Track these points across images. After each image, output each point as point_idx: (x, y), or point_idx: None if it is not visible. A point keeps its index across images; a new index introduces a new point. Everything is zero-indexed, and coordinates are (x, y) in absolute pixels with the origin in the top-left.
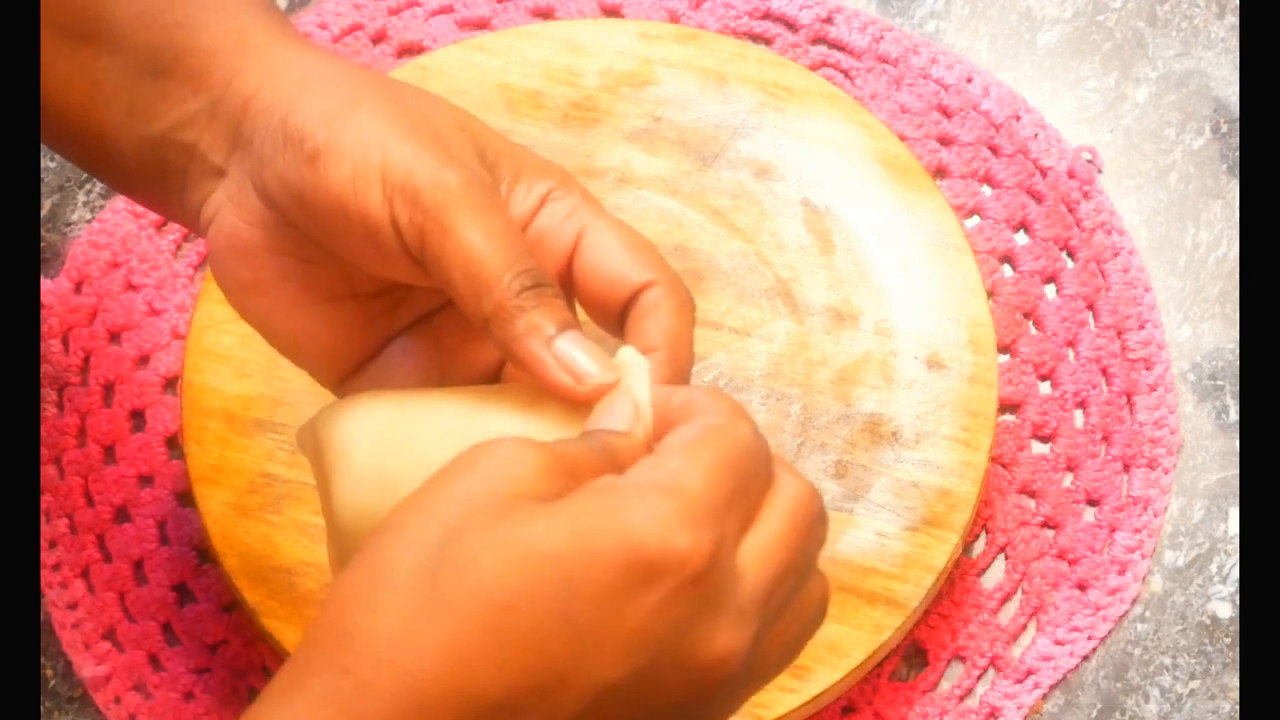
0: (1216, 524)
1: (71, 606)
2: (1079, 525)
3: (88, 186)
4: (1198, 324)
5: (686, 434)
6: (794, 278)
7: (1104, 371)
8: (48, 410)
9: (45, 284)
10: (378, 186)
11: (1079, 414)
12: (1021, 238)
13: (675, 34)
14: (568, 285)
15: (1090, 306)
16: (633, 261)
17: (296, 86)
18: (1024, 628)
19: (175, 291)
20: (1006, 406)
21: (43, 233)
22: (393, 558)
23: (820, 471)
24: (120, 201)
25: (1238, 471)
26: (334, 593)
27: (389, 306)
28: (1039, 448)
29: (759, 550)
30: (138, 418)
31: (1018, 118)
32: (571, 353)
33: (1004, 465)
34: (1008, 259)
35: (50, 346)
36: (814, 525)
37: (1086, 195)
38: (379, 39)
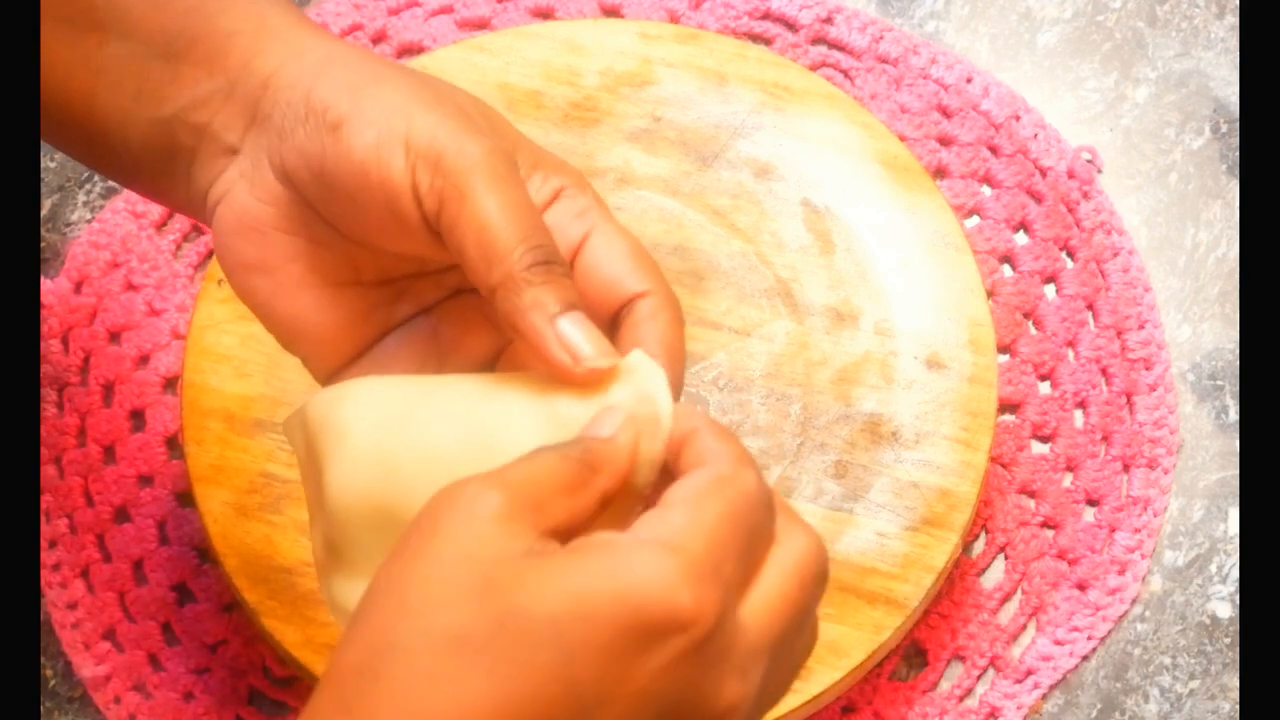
0: (1216, 524)
1: (71, 606)
2: (1079, 525)
3: (88, 186)
4: (1197, 324)
5: (692, 486)
6: (794, 278)
7: (1104, 371)
8: (48, 410)
9: (45, 284)
10: (401, 152)
11: (1079, 414)
12: (1021, 238)
13: (675, 34)
14: None
15: (1090, 306)
16: (634, 269)
17: (320, 64)
18: (1024, 628)
19: (175, 291)
20: (1006, 406)
21: (43, 233)
22: (391, 629)
23: (820, 471)
24: (120, 201)
25: (1237, 471)
26: (335, 662)
27: (391, 297)
28: (1039, 448)
29: (763, 605)
30: (138, 418)
31: (1017, 118)
32: (573, 333)
33: (1004, 465)
34: (1008, 259)
35: (50, 346)
36: (818, 580)
37: (1086, 195)
38: (379, 39)
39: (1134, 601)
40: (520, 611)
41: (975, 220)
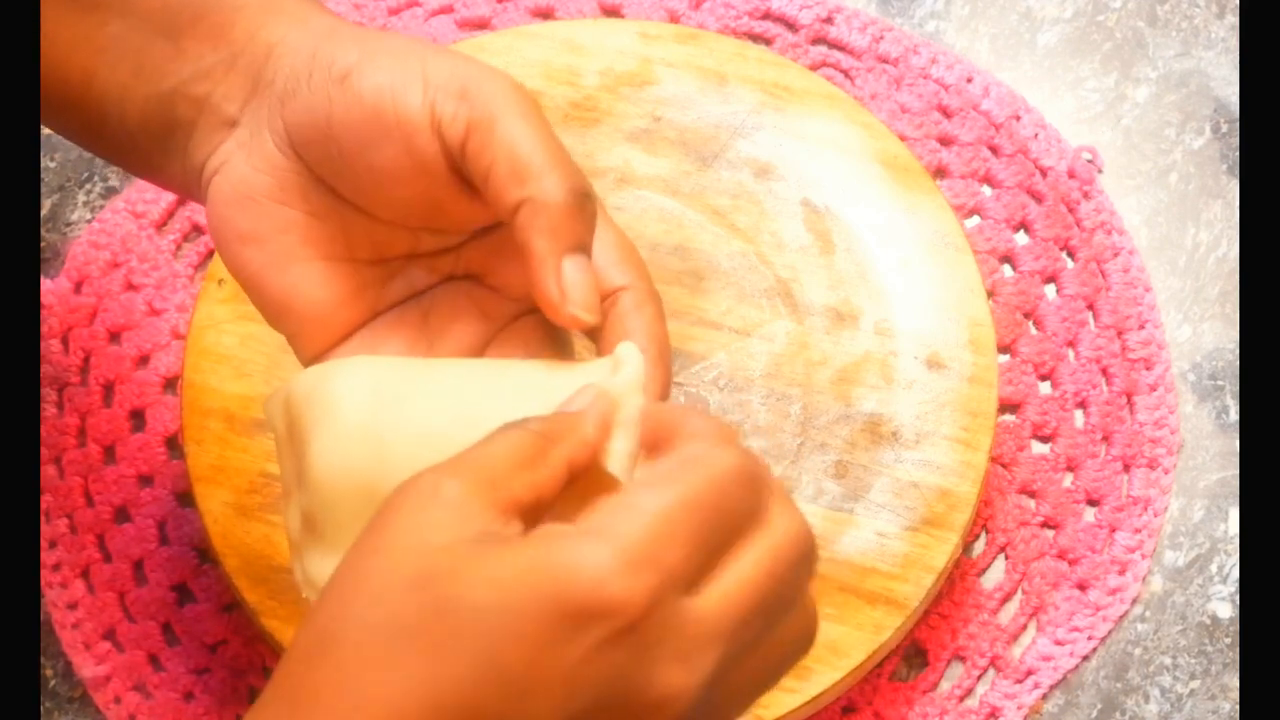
0: (1216, 524)
1: (71, 606)
2: (1079, 525)
3: (88, 187)
4: (1198, 324)
5: (653, 471)
6: (794, 278)
7: (1104, 371)
8: (48, 410)
9: (45, 284)
10: (418, 87)
11: (1079, 414)
12: (1021, 238)
13: (675, 34)
14: None
15: (1090, 306)
16: (619, 261)
17: (325, 30)
18: (1024, 628)
19: (175, 291)
20: (1006, 406)
21: (43, 233)
22: (336, 617)
23: (820, 471)
24: (120, 201)
25: (1238, 471)
26: (289, 650)
27: (383, 277)
28: (1039, 448)
29: (721, 592)
30: (138, 418)
31: (1018, 118)
32: (573, 275)
33: (1004, 465)
34: (1008, 259)
35: (50, 346)
36: (797, 565)
37: (1086, 195)
38: None
39: (1134, 601)
40: (452, 600)
41: (975, 220)
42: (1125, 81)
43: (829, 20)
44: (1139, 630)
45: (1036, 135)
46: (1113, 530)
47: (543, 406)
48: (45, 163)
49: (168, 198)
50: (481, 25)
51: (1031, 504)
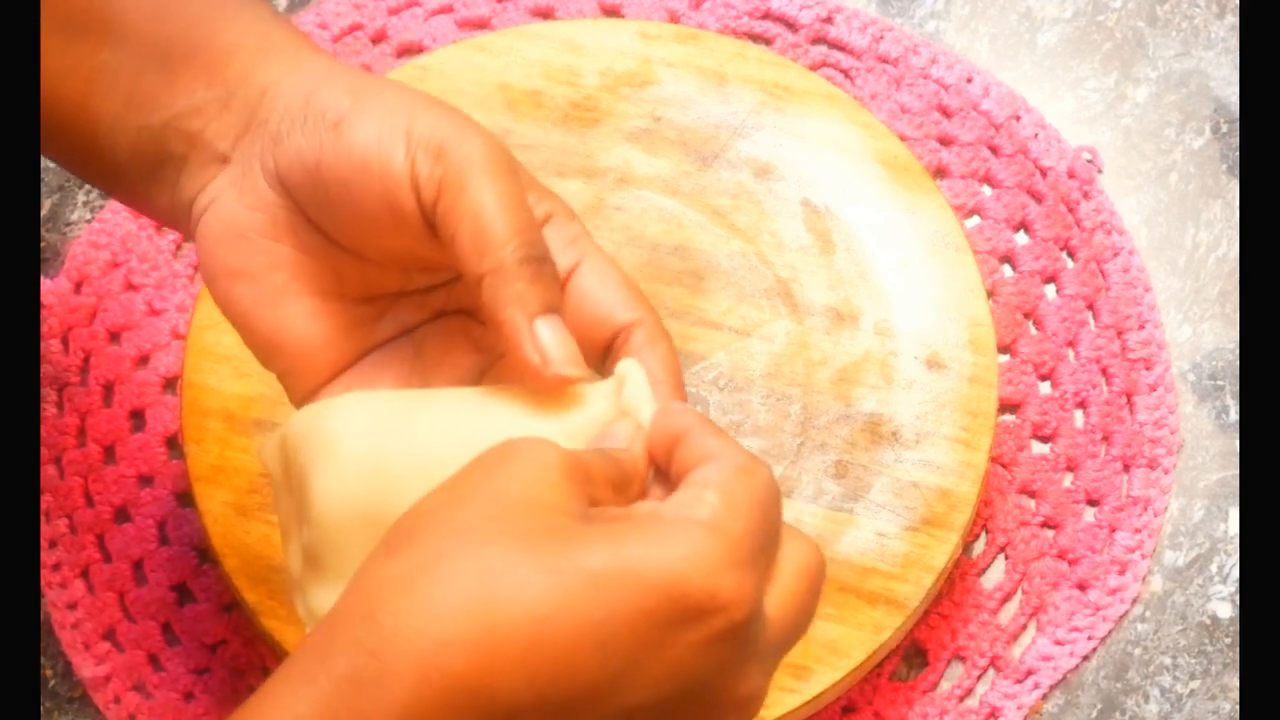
0: (1216, 524)
1: (71, 606)
2: (1079, 525)
3: (88, 187)
4: (1198, 324)
5: (718, 472)
6: (794, 278)
7: (1104, 371)
8: (48, 410)
9: (45, 284)
10: (402, 144)
11: (1079, 414)
12: (1021, 238)
13: (675, 34)
14: None
15: (1090, 306)
16: (626, 298)
17: (320, 74)
18: (1024, 628)
19: (175, 291)
20: (1006, 406)
21: (43, 233)
22: (432, 548)
23: (820, 471)
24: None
25: (1238, 471)
26: (363, 576)
27: (373, 315)
28: (1039, 448)
29: (780, 601)
30: (137, 418)
31: (1018, 118)
32: (547, 336)
33: (1004, 465)
34: (1008, 259)
35: (50, 346)
36: (820, 584)
37: (1086, 195)
38: (379, 39)
39: (1134, 601)
40: (570, 562)
41: (975, 220)
42: (1125, 81)
43: (829, 20)
44: (1139, 630)
45: (1036, 135)
46: (1113, 530)
47: (548, 427)
48: (45, 163)
49: None
50: (481, 25)
51: (1031, 504)
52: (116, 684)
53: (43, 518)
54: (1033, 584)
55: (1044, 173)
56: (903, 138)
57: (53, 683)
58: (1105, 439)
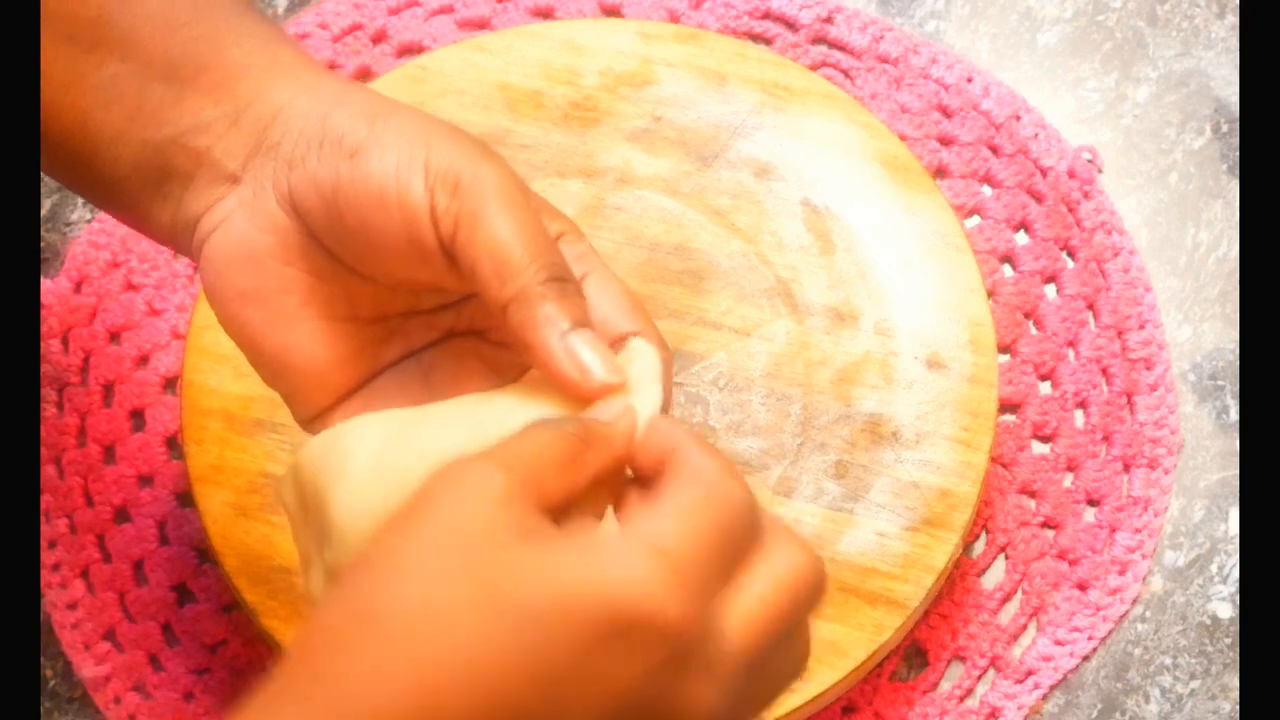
0: (1217, 524)
1: (71, 607)
2: (1079, 525)
3: None
4: (1198, 324)
5: (684, 493)
6: (794, 278)
7: (1104, 371)
8: (47, 410)
9: (45, 284)
10: (421, 176)
11: (1079, 414)
12: (1022, 237)
13: (675, 34)
14: None
15: (1090, 306)
16: (629, 310)
17: (333, 97)
18: (1024, 628)
19: (175, 291)
20: (1007, 406)
21: (43, 233)
22: (372, 598)
23: (820, 471)
24: None
25: (1238, 471)
26: (310, 627)
27: (382, 336)
28: (1039, 448)
29: (744, 615)
30: (137, 418)
31: (1018, 117)
32: (582, 350)
33: (1004, 465)
34: (1008, 259)
35: (50, 346)
36: (809, 594)
37: (1087, 195)
38: (379, 39)
39: (1134, 602)
40: (503, 594)
41: (975, 220)
42: (1125, 81)
43: (829, 20)
44: (1139, 630)
45: (1037, 135)
46: (1113, 530)
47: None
48: None
49: None
50: (481, 25)
51: (1032, 504)
52: (116, 684)
53: (43, 518)
54: (1033, 584)
55: (1044, 173)
56: (903, 138)
57: (53, 683)
58: (1105, 439)
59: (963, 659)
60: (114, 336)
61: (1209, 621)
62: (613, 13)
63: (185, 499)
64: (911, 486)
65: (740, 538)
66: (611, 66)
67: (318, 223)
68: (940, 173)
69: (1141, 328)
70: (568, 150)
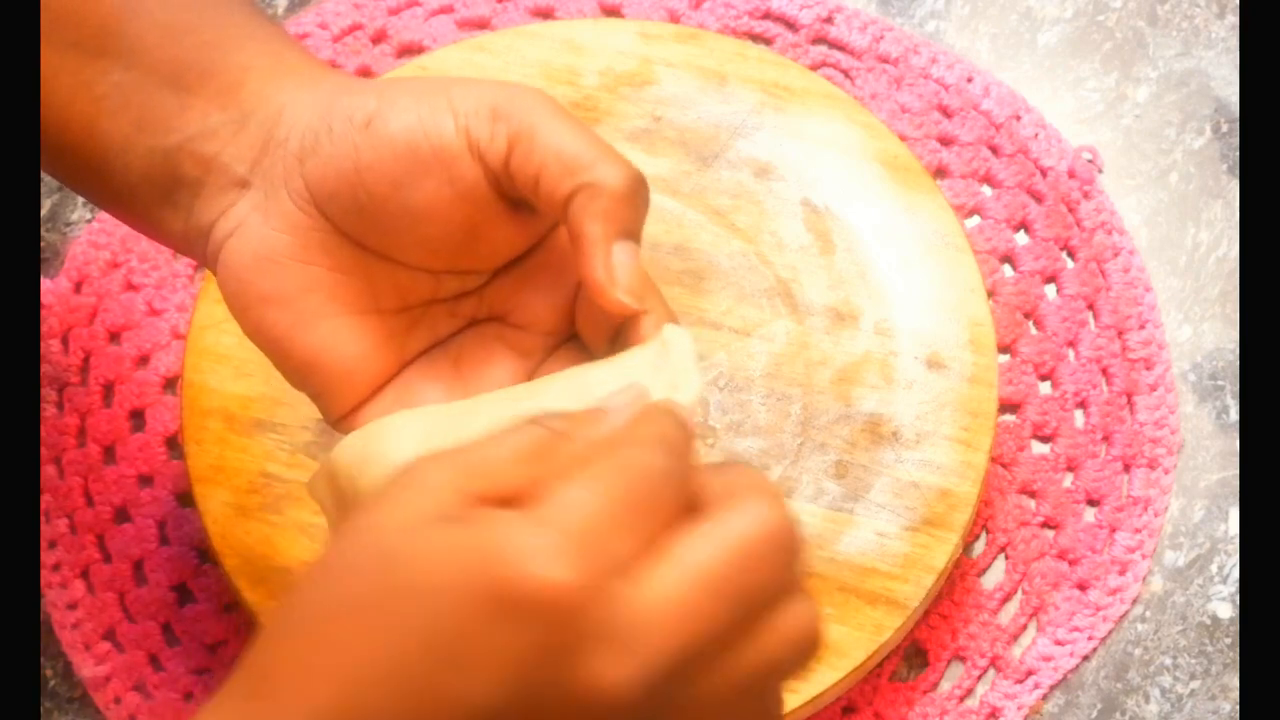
0: (1217, 524)
1: (71, 607)
2: (1079, 525)
3: None
4: (1198, 324)
5: (597, 465)
6: (794, 278)
7: (1104, 371)
8: (47, 410)
9: (45, 284)
10: (448, 118)
11: (1079, 414)
12: (1022, 237)
13: (675, 34)
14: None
15: (1090, 306)
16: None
17: (337, 88)
18: (1024, 628)
19: (175, 291)
20: (1007, 406)
21: (42, 232)
22: (296, 601)
23: (820, 471)
24: None
25: (1238, 471)
26: (266, 628)
27: (406, 326)
28: (1039, 448)
29: (675, 580)
30: (137, 418)
31: (1018, 117)
32: (623, 260)
33: (1004, 465)
34: (1008, 259)
35: (50, 346)
36: (768, 556)
37: (1087, 195)
38: (379, 39)
39: (1134, 602)
40: (398, 577)
41: (975, 220)
42: (1126, 81)
43: (829, 20)
44: (1139, 630)
45: (1037, 135)
46: (1113, 530)
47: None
48: None
49: None
50: (481, 25)
51: (1032, 504)
52: (116, 684)
53: (43, 518)
54: (1033, 584)
55: (1044, 172)
56: (903, 138)
57: (53, 683)
58: (1105, 439)
59: (963, 659)
60: (114, 336)
61: (1209, 621)
62: (613, 13)
63: (185, 499)
64: (911, 486)
65: (660, 506)
66: (611, 66)
67: (340, 208)
68: (940, 173)
69: (1142, 328)
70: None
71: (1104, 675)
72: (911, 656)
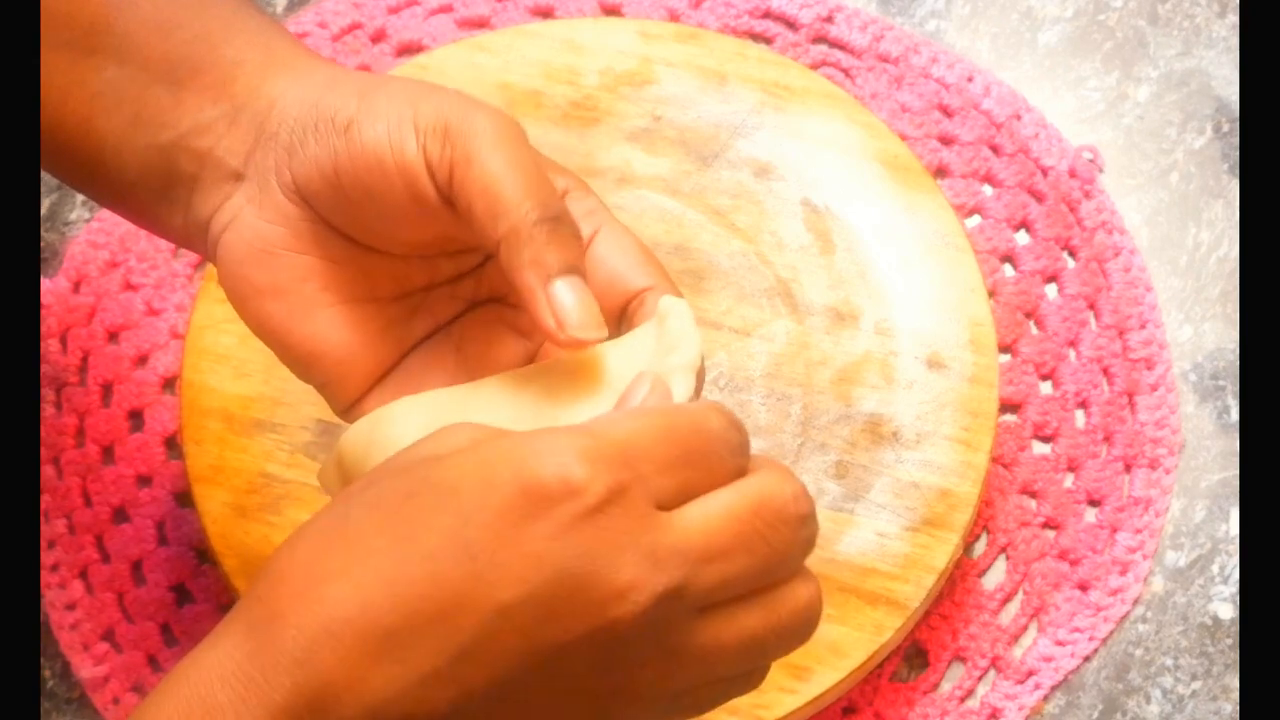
0: (1218, 524)
1: (70, 607)
2: (1080, 526)
3: None
4: (1199, 324)
5: (646, 406)
6: (794, 278)
7: (1105, 371)
8: (46, 410)
9: (44, 283)
10: (411, 134)
11: (1080, 414)
12: (1022, 237)
13: (675, 33)
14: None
15: (1091, 306)
16: (642, 263)
17: (325, 82)
18: (1025, 628)
19: (174, 291)
20: (1007, 406)
21: (41, 232)
22: (320, 512)
23: (820, 471)
24: None
25: (1238, 472)
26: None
27: (406, 313)
28: (1040, 448)
29: (702, 515)
30: (136, 418)
31: (1018, 117)
32: (565, 297)
33: (1005, 465)
34: (1008, 258)
35: (49, 346)
36: (783, 519)
37: (1087, 195)
38: (378, 38)
39: (1135, 602)
40: (429, 480)
41: (976, 220)
42: (1126, 81)
43: (829, 19)
44: (1140, 631)
45: (1037, 134)
46: (1114, 531)
47: (600, 389)
48: None
49: None
50: (481, 24)
51: (1032, 504)
52: (115, 685)
53: (41, 518)
54: (1034, 584)
55: (1045, 172)
56: (903, 137)
57: (51, 683)
58: (1106, 439)
59: (963, 659)
60: (113, 336)
61: (1210, 622)
62: (613, 12)
63: (184, 499)
64: (912, 487)
65: (704, 455)
66: (611, 66)
67: (325, 204)
68: (941, 172)
69: (1142, 327)
70: (568, 150)
71: (1105, 676)
72: (912, 657)
